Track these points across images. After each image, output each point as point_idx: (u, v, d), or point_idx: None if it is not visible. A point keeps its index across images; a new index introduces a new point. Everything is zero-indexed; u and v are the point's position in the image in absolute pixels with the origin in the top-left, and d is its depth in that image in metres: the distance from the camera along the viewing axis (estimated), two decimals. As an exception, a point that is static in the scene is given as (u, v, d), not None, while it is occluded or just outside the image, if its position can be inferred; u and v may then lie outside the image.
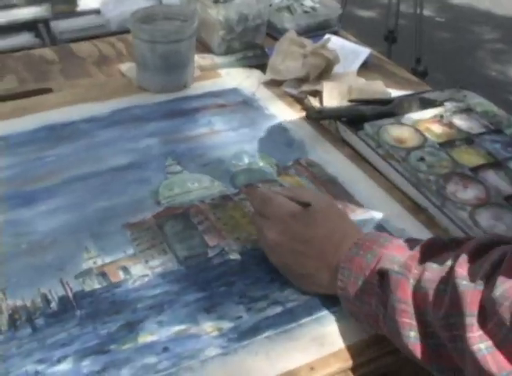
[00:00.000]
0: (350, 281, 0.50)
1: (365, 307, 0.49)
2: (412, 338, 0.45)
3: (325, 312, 0.54)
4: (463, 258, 0.44)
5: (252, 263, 0.59)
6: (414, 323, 0.45)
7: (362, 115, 0.79)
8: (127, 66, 0.92)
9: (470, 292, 0.41)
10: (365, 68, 0.94)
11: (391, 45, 2.22)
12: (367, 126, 0.77)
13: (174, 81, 0.86)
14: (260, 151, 0.75)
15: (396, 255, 0.48)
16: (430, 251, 0.48)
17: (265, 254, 0.58)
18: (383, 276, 0.48)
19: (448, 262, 0.45)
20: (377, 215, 0.65)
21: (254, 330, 0.52)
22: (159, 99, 0.84)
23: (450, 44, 2.83)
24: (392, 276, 0.46)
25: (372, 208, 0.66)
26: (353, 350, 0.51)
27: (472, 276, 0.42)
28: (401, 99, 0.83)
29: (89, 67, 0.93)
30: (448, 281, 0.44)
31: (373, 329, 0.50)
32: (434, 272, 0.45)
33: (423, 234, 0.63)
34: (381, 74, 0.95)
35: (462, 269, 0.43)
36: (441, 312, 0.43)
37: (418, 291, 0.45)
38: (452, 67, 2.58)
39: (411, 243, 0.50)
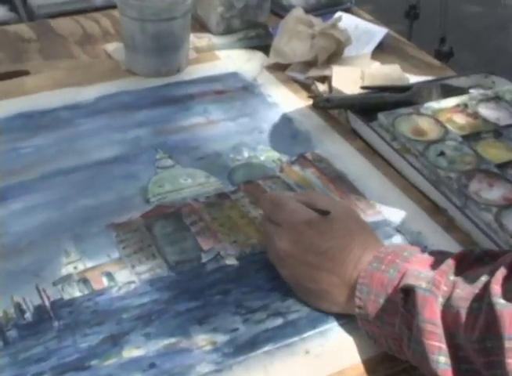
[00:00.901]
0: (369, 299, 0.50)
1: (386, 328, 0.49)
2: (441, 363, 0.44)
3: (331, 325, 0.54)
4: (500, 274, 0.44)
5: (251, 269, 0.59)
6: (444, 346, 0.45)
7: (375, 104, 0.80)
8: (114, 47, 0.92)
9: (509, 312, 0.41)
10: (381, 50, 0.94)
11: (412, 22, 2.22)
12: (381, 116, 0.78)
13: (166, 64, 0.86)
14: (261, 144, 0.75)
15: (423, 270, 0.48)
16: (461, 266, 0.48)
17: (265, 260, 0.58)
18: (408, 293, 0.47)
19: (483, 278, 0.45)
20: (391, 217, 0.66)
21: (251, 345, 0.53)
22: (149, 84, 0.85)
23: (479, 20, 2.82)
24: (419, 293, 0.46)
25: (385, 208, 0.67)
26: (362, 368, 0.52)
27: (510, 294, 0.42)
28: (420, 85, 0.83)
29: (71, 47, 0.93)
30: (482, 299, 0.43)
31: (395, 353, 0.50)
32: (466, 289, 0.45)
33: (442, 238, 0.63)
34: (399, 57, 0.95)
35: (498, 285, 0.43)
36: (475, 335, 0.43)
37: (448, 310, 0.45)
38: (481, 47, 2.58)
39: (439, 256, 0.50)
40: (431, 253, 0.51)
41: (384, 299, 0.49)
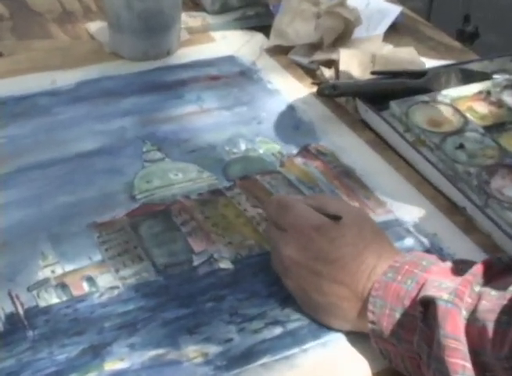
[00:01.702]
0: (384, 313, 0.50)
1: (403, 346, 0.50)
2: None
3: (335, 336, 0.55)
4: None
5: (247, 274, 0.60)
6: (468, 365, 0.44)
7: (387, 91, 0.80)
8: (96, 27, 0.93)
9: None
10: (395, 31, 0.95)
11: (432, -2, 2.22)
12: (394, 105, 0.78)
13: (155, 46, 0.87)
14: (260, 135, 0.76)
15: (444, 281, 0.48)
16: (488, 275, 0.48)
17: (263, 263, 0.59)
18: (427, 306, 0.47)
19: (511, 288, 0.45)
20: (403, 216, 0.66)
21: (247, 356, 0.53)
22: (136, 68, 0.86)
23: (508, -3, 2.82)
24: (440, 305, 0.46)
25: (396, 207, 0.68)
26: (369, 382, 0.53)
27: None
28: (437, 70, 0.84)
29: (49, 26, 0.94)
30: None
31: (412, 374, 0.50)
32: (493, 300, 0.45)
33: (460, 240, 0.64)
34: (414, 38, 0.95)
35: None
36: (504, 352, 0.43)
37: (473, 324, 0.45)
38: (511, 26, 2.57)
39: (462, 265, 0.51)
40: (454, 262, 0.52)
41: (401, 313, 0.49)
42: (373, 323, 0.51)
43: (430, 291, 0.48)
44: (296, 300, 0.56)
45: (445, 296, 0.47)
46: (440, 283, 0.48)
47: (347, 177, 0.71)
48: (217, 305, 0.57)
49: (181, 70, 0.86)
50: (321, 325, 0.56)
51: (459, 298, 0.46)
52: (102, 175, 0.70)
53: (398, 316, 0.50)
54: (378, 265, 0.52)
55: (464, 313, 0.46)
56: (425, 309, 0.48)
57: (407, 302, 0.49)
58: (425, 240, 0.64)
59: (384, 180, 0.71)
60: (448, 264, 0.51)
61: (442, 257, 0.56)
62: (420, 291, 0.49)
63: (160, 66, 0.87)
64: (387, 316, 0.50)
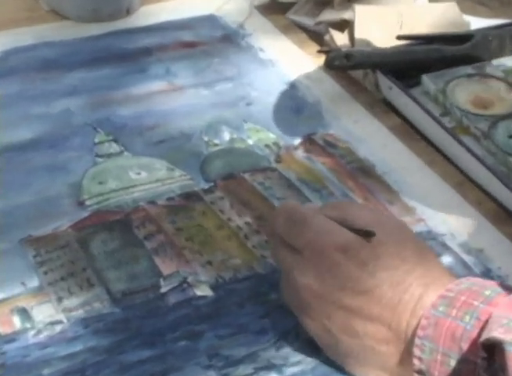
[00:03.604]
0: (435, 360, 0.50)
1: None
2: None
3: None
4: None
5: (231, 303, 0.61)
6: None
7: (419, 61, 0.82)
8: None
9: None
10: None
11: None
12: (427, 80, 0.80)
13: (110, 2, 0.88)
14: (249, 121, 0.78)
15: None
16: None
17: (252, 289, 0.61)
18: (492, 351, 0.47)
19: None
20: (438, 227, 0.68)
21: (231, 412, 0.55)
22: (84, 32, 0.87)
23: None
24: (509, 352, 0.46)
25: (429, 215, 0.69)
26: None
27: None
28: (487, 33, 0.85)
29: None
30: None
31: None
32: None
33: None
34: (456, -10, 0.96)
35: None
36: None
37: None
38: None
39: None
40: None
41: (457, 360, 0.49)
42: (420, 372, 0.51)
43: (495, 332, 0.48)
44: (317, 343, 0.57)
45: None
46: (509, 321, 0.48)
47: (364, 175, 0.73)
48: (192, 344, 0.58)
49: (144, 34, 0.87)
50: (327, 371, 0.56)
51: None
52: (41, 173, 0.71)
53: (453, 363, 0.50)
54: (425, 295, 0.52)
55: None
56: (489, 355, 0.48)
57: (465, 345, 0.49)
58: (468, 258, 0.65)
59: (414, 179, 0.72)
60: None
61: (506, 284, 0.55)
62: (482, 330, 0.49)
63: (117, 29, 0.88)
64: (439, 364, 0.50)
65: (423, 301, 0.52)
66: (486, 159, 0.72)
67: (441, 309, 0.51)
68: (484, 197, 0.71)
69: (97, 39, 0.87)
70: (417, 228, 0.67)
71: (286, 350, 0.58)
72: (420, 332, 0.51)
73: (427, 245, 0.60)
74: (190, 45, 0.87)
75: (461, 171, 0.74)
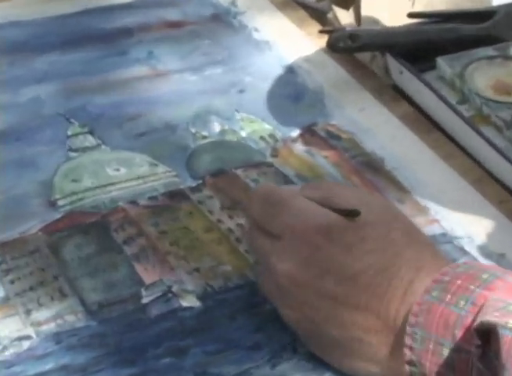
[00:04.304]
0: (427, 349, 0.51)
1: None
2: None
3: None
4: None
5: (220, 315, 0.61)
6: None
7: (433, 42, 0.82)
8: None
9: None
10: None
11: None
12: (443, 63, 0.80)
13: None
14: (242, 110, 0.78)
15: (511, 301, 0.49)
16: None
17: (244, 299, 0.61)
18: (487, 337, 0.48)
19: None
20: (454, 228, 0.68)
21: None
22: (57, 10, 0.87)
23: None
24: (505, 336, 0.46)
25: (444, 215, 0.69)
26: None
27: None
28: (509, 9, 0.85)
29: None
30: None
31: None
32: None
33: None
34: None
35: None
36: None
37: None
38: None
39: None
40: None
41: (450, 349, 0.50)
42: (411, 363, 0.52)
43: (491, 316, 0.48)
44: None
45: None
46: (507, 304, 0.49)
47: (371, 171, 0.73)
48: (177, 361, 0.58)
49: (124, 12, 0.88)
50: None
51: None
52: (7, 170, 0.71)
53: (446, 352, 0.50)
54: (417, 279, 0.53)
55: None
56: (484, 342, 0.48)
57: (459, 333, 0.50)
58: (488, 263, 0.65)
59: (427, 175, 0.73)
60: None
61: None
62: (476, 315, 0.49)
63: (93, 6, 0.88)
64: (430, 354, 0.51)
65: (415, 287, 0.53)
66: (509, 152, 0.72)
67: (434, 294, 0.51)
68: (506, 194, 0.71)
69: (70, 18, 0.87)
70: (431, 230, 0.68)
71: (283, 367, 0.58)
72: (411, 319, 0.52)
73: (417, 225, 0.60)
74: (176, 24, 0.87)
75: (480, 166, 0.74)
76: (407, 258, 0.54)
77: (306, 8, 0.90)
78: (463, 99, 0.78)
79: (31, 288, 0.63)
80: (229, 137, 0.76)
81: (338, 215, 0.56)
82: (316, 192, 0.59)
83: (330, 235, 0.55)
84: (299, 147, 0.75)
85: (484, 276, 0.52)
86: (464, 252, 0.67)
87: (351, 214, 0.55)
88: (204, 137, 0.76)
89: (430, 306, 0.51)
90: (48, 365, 0.58)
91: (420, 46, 0.82)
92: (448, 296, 0.51)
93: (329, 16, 0.87)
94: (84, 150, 0.74)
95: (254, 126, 0.77)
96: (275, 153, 0.74)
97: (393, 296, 0.53)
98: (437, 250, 0.58)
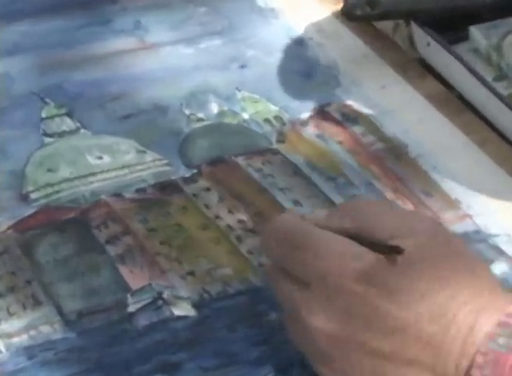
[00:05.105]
0: None
1: None
2: None
3: None
4: None
5: (218, 326, 0.61)
6: None
7: (465, 8, 0.82)
8: None
9: None
10: None
11: None
12: (477, 33, 0.80)
13: None
14: (244, 88, 0.78)
15: None
16: None
17: (246, 306, 0.61)
18: None
19: None
20: (489, 225, 0.68)
21: None
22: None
23: None
24: None
25: (478, 210, 0.69)
26: None
27: None
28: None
29: None
30: None
31: None
32: None
33: None
34: None
35: None
36: None
37: None
38: None
39: None
40: None
41: None
42: None
43: None
44: None
45: None
46: None
47: (393, 159, 0.73)
48: (168, 378, 0.58)
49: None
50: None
51: None
52: (-28, 158, 0.71)
53: None
54: (478, 324, 0.52)
55: None
56: None
57: None
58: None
59: (458, 164, 0.73)
60: None
61: None
62: None
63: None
64: None
65: (475, 334, 0.51)
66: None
67: (501, 341, 0.51)
68: (551, 186, 0.72)
69: (45, -19, 0.87)
70: (462, 227, 0.68)
71: (290, 383, 0.58)
72: (475, 373, 0.51)
73: (475, 253, 0.59)
74: (166, -10, 0.87)
75: (521, 154, 0.74)
76: (464, 301, 0.53)
77: (318, -30, 0.89)
78: (501, 75, 0.78)
79: (0, 295, 0.63)
80: (229, 119, 0.76)
81: (377, 253, 0.54)
82: (346, 220, 0.57)
83: (370, 280, 0.53)
84: (309, 131, 0.75)
85: None
86: (501, 252, 0.66)
87: (392, 250, 0.54)
88: (200, 120, 0.76)
89: (498, 356, 0.50)
90: (20, 384, 0.58)
91: (451, 13, 0.82)
92: None
93: (345, -21, 0.86)
94: (61, 134, 0.74)
95: (258, 107, 0.77)
96: (281, 138, 0.74)
97: (451, 347, 0.52)
98: (495, 281, 0.57)
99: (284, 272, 0.57)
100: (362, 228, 0.56)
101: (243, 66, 0.81)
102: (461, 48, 0.80)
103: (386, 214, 0.59)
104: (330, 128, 0.75)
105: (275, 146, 0.74)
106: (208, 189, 0.70)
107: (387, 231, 0.55)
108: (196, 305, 0.62)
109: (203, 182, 0.71)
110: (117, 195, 0.70)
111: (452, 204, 0.70)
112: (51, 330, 0.61)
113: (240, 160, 0.72)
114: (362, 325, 0.53)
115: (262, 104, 0.77)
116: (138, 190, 0.70)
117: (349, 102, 0.78)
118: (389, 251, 0.53)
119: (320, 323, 0.54)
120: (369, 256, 0.54)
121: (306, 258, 0.55)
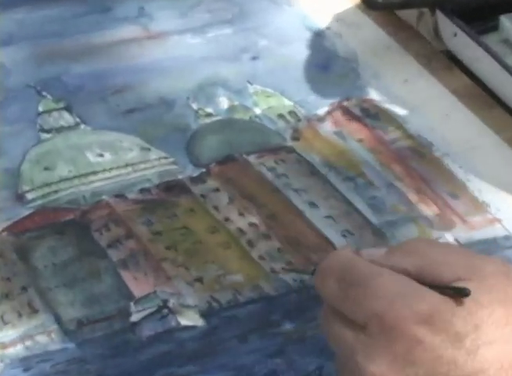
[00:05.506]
0: None
1: None
2: None
3: None
4: None
5: (229, 337, 0.61)
6: None
7: (492, -1, 0.82)
8: None
9: None
10: None
11: None
12: (506, 22, 0.80)
13: None
14: (256, 82, 0.78)
15: None
16: None
17: (258, 316, 0.61)
18: None
19: None
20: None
21: None
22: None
23: None
24: None
25: (507, 214, 0.69)
26: None
27: None
28: None
29: None
30: None
31: None
32: None
33: None
34: None
35: None
36: None
37: None
38: None
39: None
40: None
41: None
42: None
43: None
44: None
45: None
46: None
47: (417, 158, 0.73)
48: (174, 393, 0.58)
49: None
50: None
51: None
52: (-36, 155, 0.71)
53: None
54: None
55: None
56: None
57: None
58: None
59: (487, 164, 0.73)
60: None
61: None
62: None
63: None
64: None
65: None
66: None
67: None
68: None
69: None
70: (491, 232, 0.68)
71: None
72: None
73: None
74: (172, -24, 0.87)
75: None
76: None
77: (336, -46, 0.89)
78: (535, 68, 0.78)
79: (-6, 302, 0.63)
80: (240, 115, 0.76)
81: (441, 295, 0.53)
82: (407, 259, 0.56)
83: (433, 324, 0.52)
84: (327, 128, 0.75)
85: None
86: (532, 260, 0.66)
87: (458, 292, 0.53)
88: (209, 115, 0.76)
89: None
90: (16, 396, 0.58)
91: (479, 1, 0.82)
92: None
93: (365, -36, 0.86)
94: (59, 130, 0.74)
95: (271, 101, 0.77)
96: (296, 135, 0.74)
97: None
98: None
99: (339, 315, 0.56)
100: (425, 268, 0.55)
101: (254, 58, 0.81)
102: (490, 39, 0.80)
103: (452, 254, 0.58)
104: (349, 125, 0.75)
105: (290, 143, 0.74)
106: (217, 190, 0.70)
107: (453, 272, 0.54)
108: (204, 315, 0.62)
109: (211, 183, 0.71)
110: (120, 195, 0.70)
111: (480, 207, 0.70)
112: (48, 340, 0.61)
113: (252, 159, 0.72)
114: (425, 373, 0.52)
115: (276, 99, 0.77)
116: (141, 191, 0.70)
117: (369, 96, 0.78)
118: (454, 293, 0.52)
119: (377, 369, 0.53)
120: (432, 297, 0.53)
121: (363, 298, 0.54)
